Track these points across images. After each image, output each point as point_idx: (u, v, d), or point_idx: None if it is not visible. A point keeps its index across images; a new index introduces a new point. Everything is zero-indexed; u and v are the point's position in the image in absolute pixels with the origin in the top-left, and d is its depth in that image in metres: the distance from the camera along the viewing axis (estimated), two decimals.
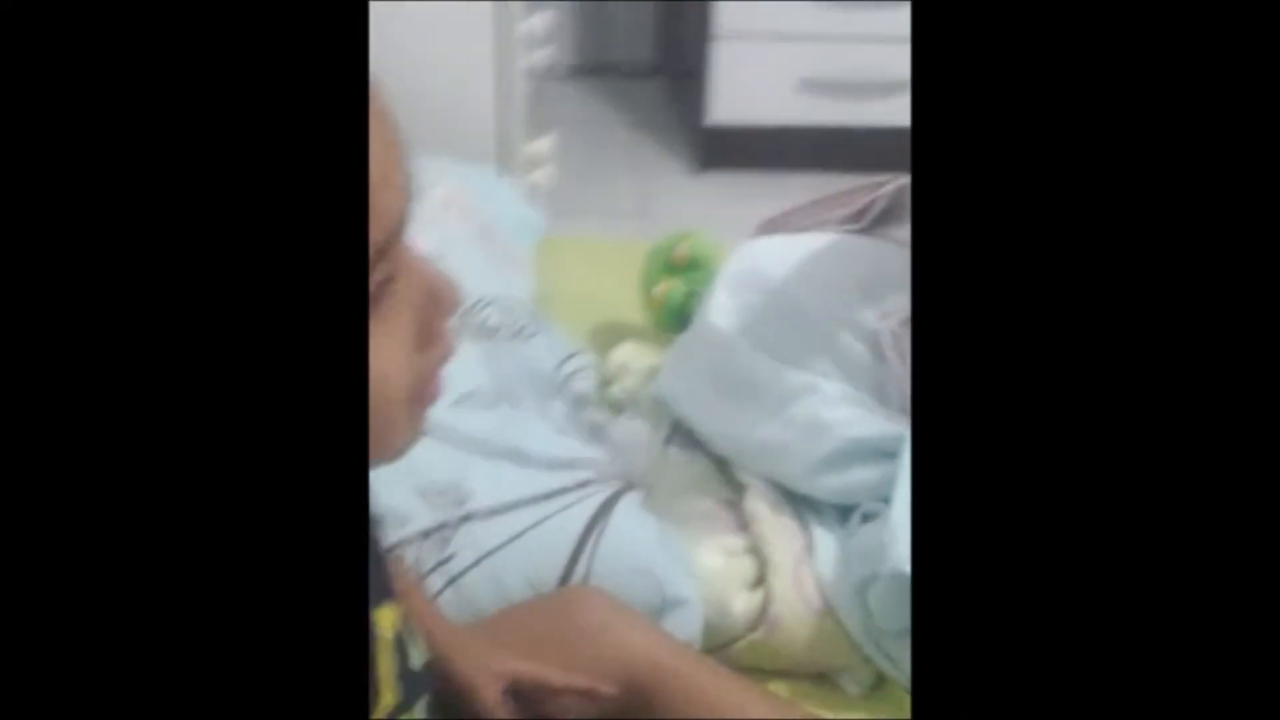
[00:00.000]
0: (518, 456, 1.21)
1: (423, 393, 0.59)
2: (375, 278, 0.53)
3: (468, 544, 1.11)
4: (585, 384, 1.43)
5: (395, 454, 0.61)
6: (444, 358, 0.59)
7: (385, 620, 0.71)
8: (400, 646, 0.73)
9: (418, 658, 0.77)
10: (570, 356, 1.47)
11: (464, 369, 1.31)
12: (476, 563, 1.10)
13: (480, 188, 1.73)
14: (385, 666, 0.70)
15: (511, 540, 1.12)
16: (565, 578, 1.12)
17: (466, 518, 1.13)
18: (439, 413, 1.22)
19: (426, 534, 1.11)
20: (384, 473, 1.12)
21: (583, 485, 1.19)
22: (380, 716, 0.68)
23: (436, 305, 0.57)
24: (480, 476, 1.18)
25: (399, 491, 1.13)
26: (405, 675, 0.72)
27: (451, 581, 1.09)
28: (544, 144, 2.14)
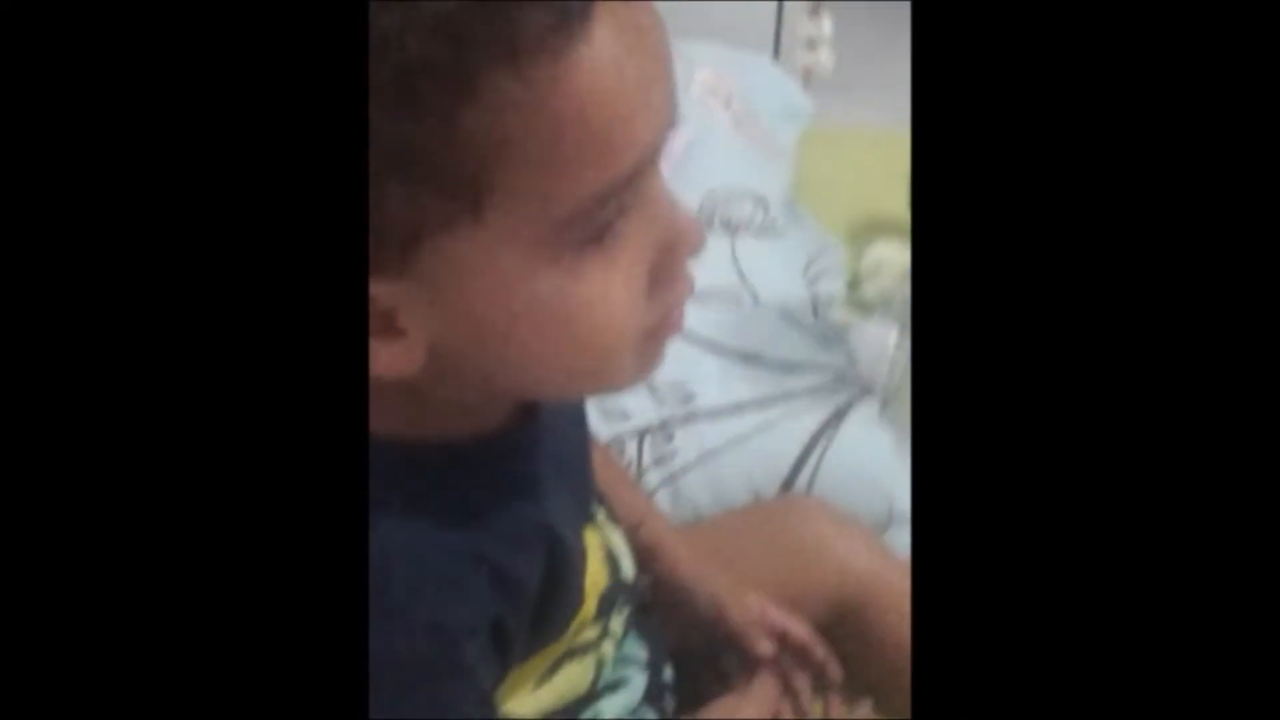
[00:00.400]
0: (751, 357, 1.18)
1: (659, 330, 0.57)
2: (610, 207, 0.50)
3: (691, 442, 1.10)
4: (833, 283, 1.39)
5: (625, 386, 0.59)
6: (683, 296, 0.57)
7: (594, 540, 0.70)
8: (611, 560, 0.73)
9: (629, 569, 0.76)
10: (821, 253, 1.43)
11: (705, 264, 1.29)
12: (698, 462, 1.09)
13: (748, 72, 1.68)
14: (593, 579, 0.69)
15: (736, 442, 1.10)
16: (789, 484, 1.09)
17: (692, 416, 1.12)
18: None
19: (648, 430, 1.10)
20: None
21: (816, 390, 1.16)
22: (579, 625, 0.68)
23: (677, 245, 0.54)
24: (710, 375, 1.16)
25: None
26: (611, 588, 0.71)
27: (670, 479, 1.08)
28: (823, 25, 2.07)
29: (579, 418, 0.73)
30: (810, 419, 1.12)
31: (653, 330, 0.56)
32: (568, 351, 0.53)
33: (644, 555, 0.85)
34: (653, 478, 1.08)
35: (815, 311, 1.30)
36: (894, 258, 1.49)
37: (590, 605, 0.68)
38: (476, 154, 0.46)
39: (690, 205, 1.35)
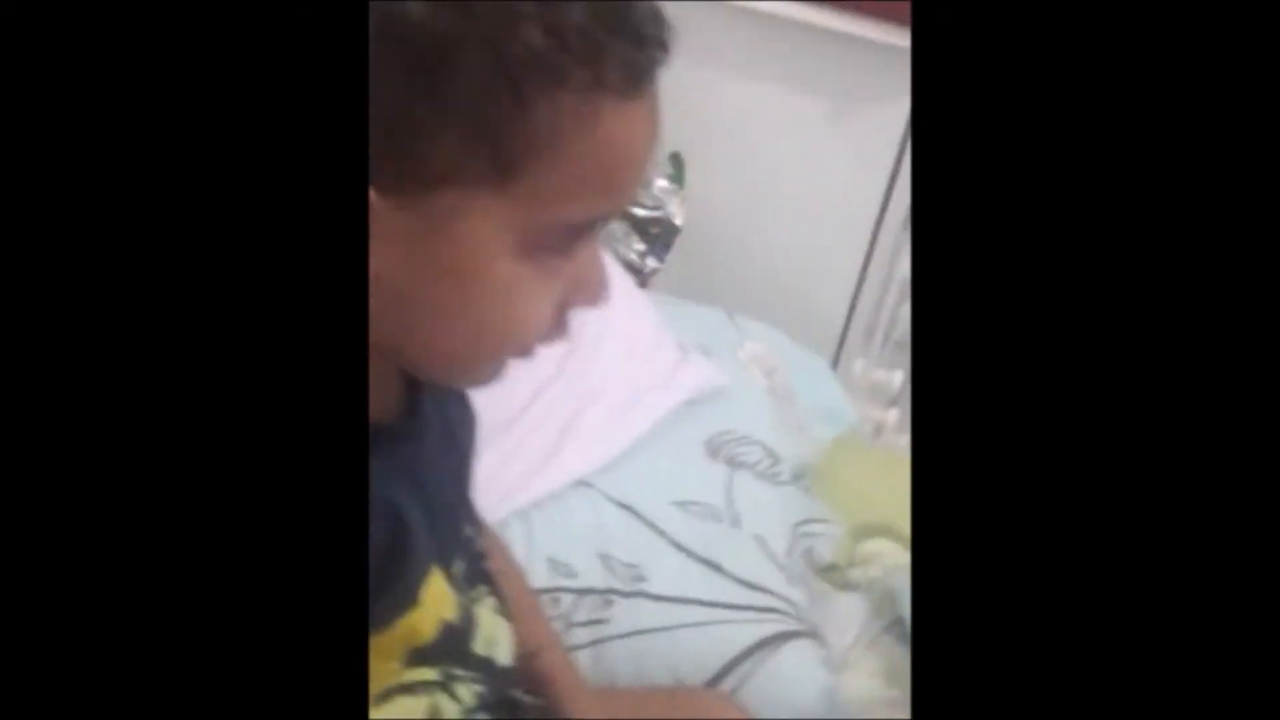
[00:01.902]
0: (712, 565, 1.18)
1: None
2: (584, 234, 0.57)
3: (626, 616, 1.09)
4: (821, 548, 1.39)
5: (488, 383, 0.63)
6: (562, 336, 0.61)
7: (439, 582, 0.69)
8: (463, 611, 0.71)
9: (504, 655, 0.75)
10: (819, 522, 1.44)
11: (701, 481, 1.31)
12: (628, 636, 1.07)
13: (799, 366, 1.74)
14: (435, 600, 0.67)
15: (672, 629, 1.09)
16: (712, 684, 1.07)
17: (636, 594, 1.11)
18: (656, 504, 1.22)
19: (589, 591, 1.10)
20: (566, 527, 1.13)
21: (767, 610, 1.15)
22: (411, 640, 0.66)
23: (584, 291, 0.60)
24: (667, 568, 1.16)
25: (578, 547, 1.14)
26: (459, 633, 0.70)
27: (596, 643, 1.06)
28: (894, 378, 2.09)
29: (456, 467, 0.74)
30: (751, 632, 1.11)
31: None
32: (478, 337, 0.58)
33: (537, 683, 0.86)
34: (580, 635, 1.06)
35: (791, 553, 1.30)
36: (889, 554, 1.50)
37: (427, 625, 0.66)
38: (533, 140, 0.52)
39: (700, 436, 1.39)
